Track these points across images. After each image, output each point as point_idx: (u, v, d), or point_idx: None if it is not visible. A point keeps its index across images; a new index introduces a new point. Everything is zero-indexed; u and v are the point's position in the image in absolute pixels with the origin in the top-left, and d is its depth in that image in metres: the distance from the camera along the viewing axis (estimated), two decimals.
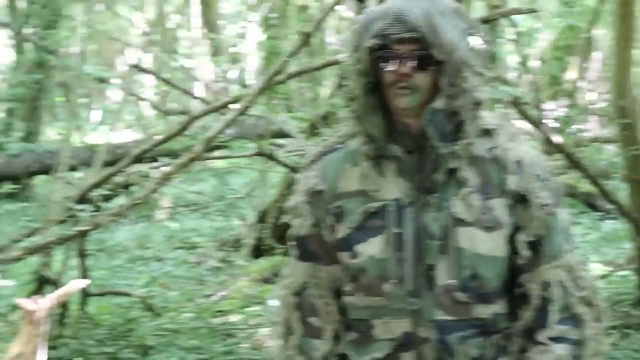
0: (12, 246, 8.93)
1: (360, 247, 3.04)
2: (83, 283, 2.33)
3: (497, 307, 3.06)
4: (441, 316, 3.00)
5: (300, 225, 3.18)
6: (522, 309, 3.08)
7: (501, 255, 3.01)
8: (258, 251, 12.78)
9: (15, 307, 9.57)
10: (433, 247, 2.99)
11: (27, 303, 2.26)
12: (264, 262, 12.21)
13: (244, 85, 11.61)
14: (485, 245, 2.99)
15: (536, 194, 3.01)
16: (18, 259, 8.81)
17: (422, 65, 2.99)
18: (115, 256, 13.25)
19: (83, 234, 9.09)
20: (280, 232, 12.80)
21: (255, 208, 13.42)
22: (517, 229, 3.03)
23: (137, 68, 13.61)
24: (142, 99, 20.45)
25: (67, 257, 9.43)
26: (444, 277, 2.98)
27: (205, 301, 10.87)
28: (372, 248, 3.03)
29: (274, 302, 10.17)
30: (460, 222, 2.99)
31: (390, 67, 2.97)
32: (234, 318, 10.13)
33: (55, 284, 8.68)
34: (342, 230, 3.09)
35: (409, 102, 2.99)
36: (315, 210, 3.14)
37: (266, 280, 11.60)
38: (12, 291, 10.25)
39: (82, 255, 9.71)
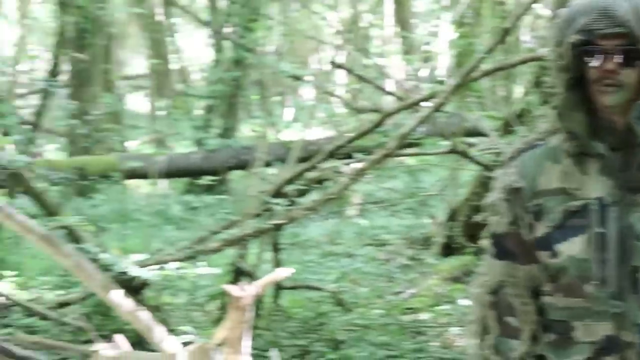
0: (210, 238, 9.13)
1: (561, 247, 2.94)
2: (286, 272, 2.38)
3: None
4: None
5: (497, 222, 3.12)
6: None
7: None
8: (448, 250, 12.76)
9: (212, 297, 9.81)
10: (639, 249, 2.85)
11: (234, 289, 2.32)
12: (454, 261, 12.18)
13: (439, 82, 11.55)
14: None
15: None
16: (216, 250, 9.01)
17: (629, 61, 2.88)
18: (307, 251, 13.38)
19: (278, 228, 9.25)
20: (472, 231, 12.76)
21: (446, 206, 13.37)
22: None
23: (335, 65, 13.73)
24: (335, 97, 20.63)
25: (261, 250, 9.59)
26: None
27: (395, 298, 10.90)
28: (573, 248, 2.92)
29: (465, 302, 10.18)
30: None
31: (595, 63, 2.88)
32: (423, 316, 10.14)
33: (251, 276, 8.84)
34: (541, 229, 2.99)
35: (614, 99, 2.89)
36: (513, 207, 3.06)
37: (456, 279, 11.57)
38: (210, 282, 10.46)
39: (276, 248, 9.87)
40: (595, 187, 2.91)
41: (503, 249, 3.13)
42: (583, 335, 2.93)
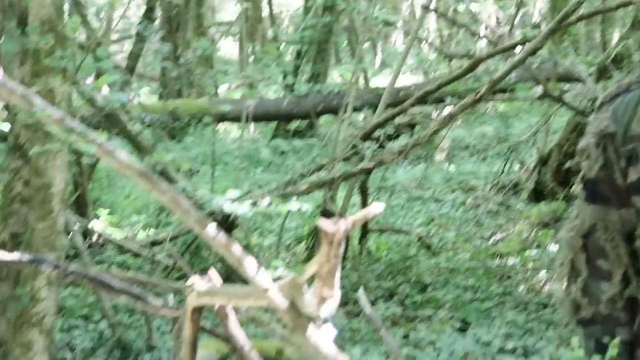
0: (299, 180, 9.19)
1: None
2: (378, 208, 2.39)
3: None
4: None
5: (590, 167, 3.05)
6: None
7: None
8: (537, 196, 12.71)
9: (300, 240, 9.90)
10: None
11: (326, 224, 2.36)
12: (543, 207, 12.13)
13: (534, 27, 11.38)
14: None
15: None
16: (305, 193, 9.07)
17: None
18: (395, 195, 13.40)
19: (367, 171, 9.27)
20: (562, 177, 12.72)
21: (537, 152, 13.29)
22: None
23: (426, 10, 13.59)
24: (426, 42, 20.53)
25: (350, 193, 9.64)
26: None
27: (482, 243, 10.89)
28: None
29: (553, 247, 10.15)
30: None
31: None
32: (511, 261, 10.13)
33: (341, 215, 8.89)
34: (634, 174, 2.92)
35: None
36: (606, 152, 3.00)
37: (545, 225, 11.53)
38: (297, 224, 10.54)
39: (364, 192, 9.92)
40: None
41: (595, 193, 3.07)
42: None
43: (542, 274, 9.52)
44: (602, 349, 3.06)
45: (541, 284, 9.18)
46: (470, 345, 7.13)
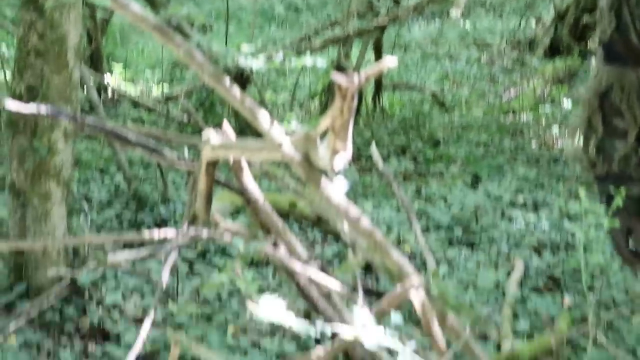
0: (314, 37, 9.20)
1: None
2: (392, 62, 2.42)
3: None
4: None
5: (604, 29, 3.02)
6: None
7: None
8: (553, 52, 12.71)
9: (312, 97, 9.93)
10: None
11: (340, 78, 2.41)
12: (558, 63, 12.13)
13: None
14: None
15: None
16: (320, 49, 9.08)
17: None
18: (409, 52, 13.40)
19: (381, 28, 9.28)
20: (579, 33, 12.69)
21: (554, 7, 13.21)
22: None
23: None
24: None
25: (364, 50, 9.64)
26: None
27: (496, 99, 10.93)
28: None
29: (567, 103, 10.17)
30: None
31: None
32: (524, 117, 10.18)
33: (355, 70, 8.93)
34: None
35: None
36: (620, 14, 2.96)
37: (560, 81, 11.56)
38: (311, 81, 10.56)
39: (378, 49, 9.93)
40: None
41: (612, 54, 3.05)
42: None
43: (555, 129, 9.57)
44: (612, 202, 3.11)
45: (553, 140, 9.24)
46: (481, 199, 7.22)
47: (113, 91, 8.72)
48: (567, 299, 5.37)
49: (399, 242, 5.93)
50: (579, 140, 3.18)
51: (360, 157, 8.00)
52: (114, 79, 9.21)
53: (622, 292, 5.70)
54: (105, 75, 8.86)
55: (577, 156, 3.20)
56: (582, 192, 4.38)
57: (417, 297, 2.76)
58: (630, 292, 5.72)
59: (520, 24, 13.98)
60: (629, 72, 3.00)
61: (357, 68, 9.25)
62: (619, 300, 5.60)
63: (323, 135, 2.65)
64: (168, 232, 3.13)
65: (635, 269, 3.12)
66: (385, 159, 7.65)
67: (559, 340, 3.37)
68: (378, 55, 10.05)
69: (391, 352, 2.72)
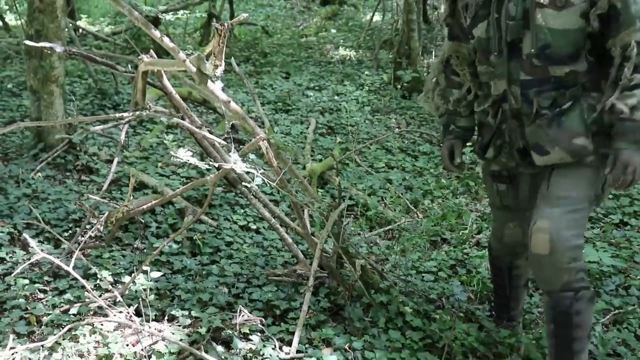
0: None
1: (474, 31, 2.67)
2: (244, 17, 2.37)
3: (574, 67, 2.49)
4: (523, 76, 2.55)
5: (445, 14, 2.83)
6: (610, 68, 2.47)
7: (573, 27, 2.44)
8: (325, 2, 12.60)
9: (196, 30, 9.62)
10: (514, 26, 2.52)
11: (217, 25, 2.35)
12: (328, 8, 12.05)
13: None
14: (557, 21, 2.44)
15: None
16: (199, 3, 8.79)
17: None
18: (249, 3, 13.06)
19: None
20: None
21: None
22: (594, 4, 2.41)
23: None
24: None
25: (223, 3, 9.37)
26: (527, 47, 2.51)
27: (296, 29, 10.81)
28: (480, 31, 2.63)
29: (334, 31, 10.09)
30: (539, 4, 2.45)
31: None
32: (311, 39, 10.11)
33: (217, 17, 8.70)
34: (467, 20, 2.69)
35: None
36: (454, 4, 2.76)
37: (329, 18, 11.50)
38: (194, 21, 10.24)
39: (231, 2, 9.66)
40: None
41: (451, 33, 2.84)
42: (494, 90, 2.69)
43: (329, 45, 9.56)
44: (446, 131, 2.94)
45: (328, 51, 9.23)
46: (291, 86, 7.22)
47: (82, 30, 8.27)
48: (339, 139, 5.46)
49: (248, 112, 5.90)
50: (428, 91, 3.00)
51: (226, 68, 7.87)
52: (83, 23, 8.74)
53: (366, 134, 5.84)
54: (77, 21, 8.38)
55: (426, 101, 3.02)
56: (345, 82, 4.48)
57: (263, 144, 2.77)
58: (370, 134, 5.85)
59: None
60: (463, 46, 2.82)
61: (220, 13, 9.02)
62: (365, 137, 5.73)
63: (208, 56, 2.60)
64: (123, 114, 3.05)
65: (452, 172, 2.97)
66: (238, 65, 7.53)
67: (335, 161, 3.42)
68: (231, 5, 9.80)
69: (249, 174, 2.74)
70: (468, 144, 3.01)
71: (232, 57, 6.25)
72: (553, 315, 2.59)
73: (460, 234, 4.20)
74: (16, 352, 2.62)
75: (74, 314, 2.99)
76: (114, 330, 2.87)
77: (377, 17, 10.37)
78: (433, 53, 7.60)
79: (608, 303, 3.44)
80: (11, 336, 2.77)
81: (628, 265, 3.83)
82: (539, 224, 2.53)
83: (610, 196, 4.72)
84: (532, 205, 2.71)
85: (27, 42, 3.11)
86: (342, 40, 9.93)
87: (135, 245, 3.72)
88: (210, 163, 2.93)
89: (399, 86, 7.06)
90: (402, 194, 4.67)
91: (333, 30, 10.67)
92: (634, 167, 2.38)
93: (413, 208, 4.51)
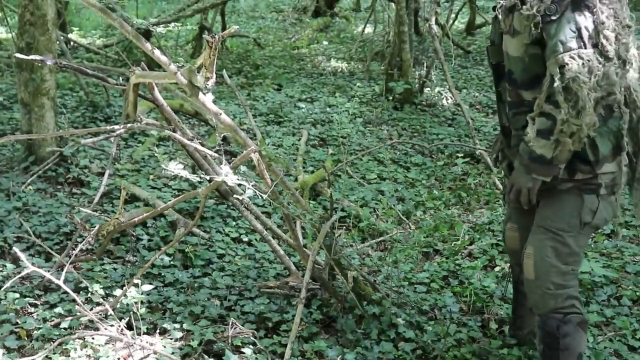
0: (187, 8, 8.91)
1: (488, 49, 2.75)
2: (236, 29, 2.39)
3: (539, 92, 2.46)
4: (507, 98, 2.63)
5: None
6: None
7: (523, 55, 2.48)
8: (316, 14, 12.64)
9: (189, 42, 9.64)
10: (493, 50, 2.65)
11: (209, 37, 2.36)
12: (319, 20, 12.08)
13: None
14: (511, 48, 2.51)
15: (525, 7, 2.42)
16: (191, 15, 8.81)
17: None
18: (239, 15, 13.10)
19: (224, 3, 9.05)
20: (330, 3, 12.59)
21: None
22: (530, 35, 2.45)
23: None
24: None
25: (215, 15, 9.40)
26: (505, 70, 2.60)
27: (288, 41, 10.83)
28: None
29: (325, 42, 10.11)
30: (502, 30, 2.55)
31: None
32: (303, 50, 10.13)
33: (209, 29, 8.72)
34: None
35: None
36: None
37: (321, 30, 11.54)
38: (186, 34, 10.26)
39: (223, 14, 9.68)
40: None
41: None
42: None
43: (320, 57, 9.57)
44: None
45: (320, 63, 9.24)
46: (283, 97, 7.22)
47: (74, 43, 8.27)
48: (331, 150, 5.46)
49: (240, 124, 5.91)
50: None
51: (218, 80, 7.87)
52: (74, 36, 8.74)
53: (358, 146, 5.84)
54: (69, 34, 8.38)
55: None
56: (337, 93, 4.50)
57: (255, 156, 2.77)
58: (362, 146, 5.86)
59: None
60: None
61: (212, 25, 9.04)
62: (357, 149, 5.74)
63: (199, 68, 2.61)
64: (115, 127, 3.05)
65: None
66: (230, 77, 7.53)
67: (327, 172, 3.43)
68: (223, 17, 9.82)
69: (241, 187, 2.74)
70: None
71: (224, 69, 6.24)
72: (542, 336, 2.63)
73: (453, 245, 4.20)
74: None
75: (64, 328, 2.98)
76: (105, 344, 2.86)
77: (369, 29, 10.40)
78: (424, 64, 7.62)
79: (600, 313, 3.45)
80: (1, 351, 2.76)
81: (619, 275, 3.84)
82: (527, 249, 2.61)
83: None
84: (525, 217, 2.75)
85: (18, 55, 3.11)
86: (333, 52, 9.96)
87: (126, 258, 3.71)
88: (202, 175, 2.93)
89: (390, 98, 7.07)
90: (394, 205, 4.67)
91: (325, 42, 10.70)
92: (517, 188, 2.52)
93: (405, 219, 4.52)
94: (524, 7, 2.41)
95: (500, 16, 2.56)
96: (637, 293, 3.63)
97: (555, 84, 2.34)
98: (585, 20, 2.35)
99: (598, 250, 4.17)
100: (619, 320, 3.38)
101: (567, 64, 2.32)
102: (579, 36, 2.34)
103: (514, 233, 2.91)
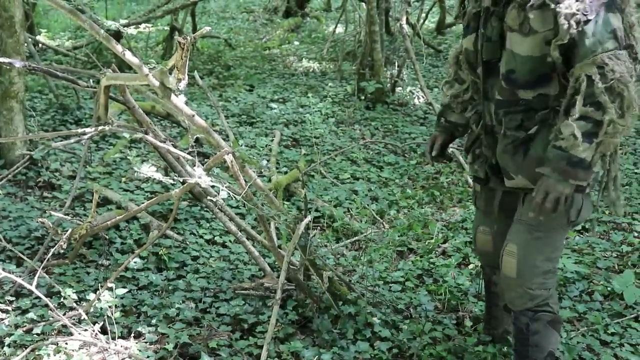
0: (157, 9, 8.84)
1: (463, 41, 2.67)
2: (207, 30, 2.37)
3: (543, 90, 2.47)
4: (497, 96, 2.56)
5: (455, 13, 2.79)
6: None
7: (536, 55, 2.41)
8: (287, 14, 12.62)
9: (159, 43, 9.56)
10: (489, 46, 2.53)
11: (180, 38, 2.35)
12: (290, 20, 12.06)
13: None
14: (522, 47, 2.43)
15: (563, 3, 2.32)
16: (162, 16, 8.74)
17: None
18: (210, 16, 13.05)
19: (194, 3, 8.99)
20: (301, 2, 12.58)
21: None
22: (555, 34, 2.36)
23: None
24: None
25: (185, 16, 9.34)
26: (503, 68, 2.51)
27: (259, 41, 10.81)
28: (467, 42, 2.65)
29: (296, 42, 10.09)
30: (509, 28, 2.45)
31: None
32: (274, 51, 10.12)
33: (180, 30, 8.67)
34: (464, 28, 2.70)
35: None
36: (465, 3, 2.71)
37: (292, 30, 11.53)
38: (155, 35, 10.17)
39: (193, 15, 9.63)
40: None
41: (467, 29, 2.72)
42: (478, 100, 2.70)
43: (292, 57, 9.56)
44: (437, 122, 2.89)
45: (291, 64, 9.23)
46: (255, 98, 7.20)
47: (42, 45, 8.16)
48: (304, 151, 5.45)
49: (213, 125, 5.88)
50: (445, 83, 2.93)
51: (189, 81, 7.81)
52: (42, 38, 8.62)
53: (331, 146, 5.85)
54: (37, 36, 8.27)
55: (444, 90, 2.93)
56: (309, 94, 4.50)
57: (228, 157, 2.76)
58: (335, 146, 5.87)
59: None
60: (475, 42, 2.68)
61: (182, 26, 8.99)
62: (330, 149, 5.74)
63: (171, 70, 2.59)
64: (86, 129, 3.01)
65: (430, 162, 2.90)
66: (202, 78, 7.48)
67: (300, 173, 3.43)
68: (193, 18, 9.76)
69: (215, 188, 2.72)
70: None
71: (195, 71, 6.22)
72: (515, 331, 2.66)
73: (427, 243, 4.22)
74: None
75: (37, 334, 2.94)
76: (79, 349, 2.83)
77: (340, 29, 10.42)
78: (396, 64, 7.64)
79: (572, 309, 3.49)
80: None
81: (591, 271, 3.89)
82: (509, 246, 2.58)
83: None
84: (500, 220, 2.76)
85: None
86: (305, 52, 9.96)
87: (99, 262, 3.67)
88: (175, 177, 2.91)
89: (362, 97, 7.09)
90: (367, 204, 4.68)
91: (296, 43, 10.69)
92: (554, 196, 2.37)
93: (379, 218, 4.53)
94: (561, 5, 2.32)
95: (507, 12, 2.46)
96: (608, 288, 3.68)
97: (598, 85, 2.28)
98: (617, 22, 2.33)
99: (570, 246, 4.22)
100: (591, 315, 3.42)
101: (607, 64, 2.29)
102: (614, 37, 2.31)
103: (486, 236, 2.90)
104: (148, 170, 2.80)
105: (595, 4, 2.31)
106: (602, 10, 2.32)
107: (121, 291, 3.08)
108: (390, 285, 3.65)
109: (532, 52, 2.41)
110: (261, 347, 2.84)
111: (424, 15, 8.95)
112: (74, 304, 2.98)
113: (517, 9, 2.42)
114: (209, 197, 3.36)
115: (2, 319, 3.07)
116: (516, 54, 2.45)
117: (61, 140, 3.94)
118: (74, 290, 3.19)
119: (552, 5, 2.34)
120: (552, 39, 2.37)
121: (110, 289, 2.97)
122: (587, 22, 2.31)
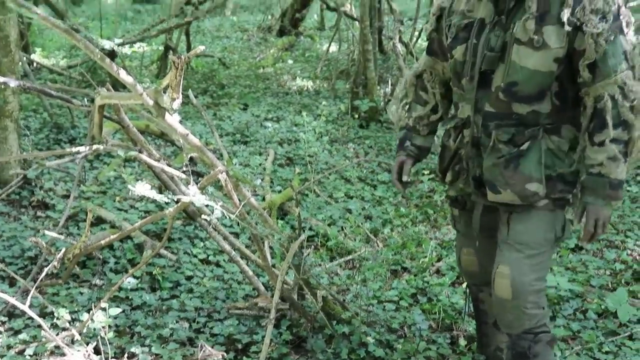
0: (151, 28, 8.86)
1: (453, 52, 2.62)
2: (201, 49, 2.38)
3: (537, 107, 2.49)
4: (488, 107, 2.54)
5: (429, 28, 2.77)
6: (582, 117, 2.49)
7: (544, 70, 2.43)
8: (281, 33, 12.66)
9: (154, 62, 9.57)
10: (491, 57, 2.50)
11: (174, 57, 2.36)
12: (284, 39, 12.09)
13: None
14: (530, 60, 2.43)
15: (590, 24, 2.36)
16: (156, 35, 8.77)
17: None
18: (204, 35, 13.08)
19: (189, 22, 9.02)
20: (294, 22, 12.63)
21: (279, 6, 13.11)
22: (575, 52, 2.41)
23: None
24: None
25: (180, 35, 9.36)
26: (498, 80, 2.50)
27: (253, 60, 10.83)
28: (458, 53, 2.60)
29: (291, 62, 10.13)
30: (517, 40, 2.44)
31: None
32: (268, 70, 10.14)
33: (174, 49, 8.69)
34: (448, 39, 2.66)
35: None
36: (438, 20, 2.73)
37: (286, 49, 11.56)
38: (151, 53, 10.20)
39: (187, 34, 9.65)
40: (482, 10, 2.56)
41: (430, 48, 2.80)
42: (460, 113, 2.66)
43: (286, 76, 9.58)
44: (401, 147, 2.89)
45: (285, 82, 9.25)
46: (249, 117, 7.21)
47: (37, 64, 8.17)
48: (297, 169, 5.45)
49: (207, 144, 5.87)
50: (396, 100, 2.95)
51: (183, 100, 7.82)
52: (37, 57, 8.63)
53: (325, 164, 5.85)
54: (31, 55, 8.27)
55: (392, 112, 2.98)
56: (303, 112, 4.46)
57: (222, 176, 2.76)
58: (329, 164, 5.87)
59: (263, 17, 13.82)
60: (438, 63, 2.79)
61: (177, 45, 9.01)
62: (324, 167, 5.75)
63: (165, 89, 2.59)
64: (80, 148, 3.01)
65: (402, 191, 2.96)
66: (196, 97, 7.49)
67: (294, 191, 3.43)
68: (187, 37, 9.78)
69: (209, 207, 2.72)
70: (425, 171, 3.04)
71: (190, 89, 6.21)
72: (512, 355, 2.64)
73: (421, 262, 4.21)
74: None
75: (30, 355, 2.92)
76: None
77: (334, 48, 10.46)
78: (389, 82, 7.67)
79: (566, 327, 3.48)
80: None
81: (585, 289, 3.88)
82: (500, 269, 2.57)
83: None
84: (482, 238, 2.77)
85: None
86: (299, 71, 9.98)
87: (93, 282, 3.65)
88: (169, 196, 2.91)
89: (356, 116, 7.11)
90: (361, 223, 4.68)
91: (290, 61, 10.72)
92: (602, 222, 2.47)
93: (373, 237, 4.52)
94: (589, 25, 2.36)
95: (516, 24, 2.46)
96: (602, 306, 3.68)
97: (624, 104, 2.38)
98: (627, 44, 2.43)
99: (564, 264, 4.22)
100: (585, 333, 3.42)
101: (627, 84, 2.38)
102: (625, 58, 2.41)
103: (471, 257, 2.90)
104: (142, 189, 2.80)
105: (614, 26, 2.37)
106: (618, 33, 2.39)
107: (115, 311, 3.06)
108: (384, 304, 3.64)
109: (540, 66, 2.43)
110: None
111: (416, 33, 8.98)
112: (67, 324, 2.96)
113: (528, 22, 2.43)
114: (203, 216, 3.36)
115: None
116: (522, 67, 2.45)
117: (55, 160, 3.94)
118: (67, 311, 3.16)
119: (571, 25, 2.38)
120: (561, 56, 2.41)
121: (104, 309, 2.95)
122: (608, 42, 2.37)
